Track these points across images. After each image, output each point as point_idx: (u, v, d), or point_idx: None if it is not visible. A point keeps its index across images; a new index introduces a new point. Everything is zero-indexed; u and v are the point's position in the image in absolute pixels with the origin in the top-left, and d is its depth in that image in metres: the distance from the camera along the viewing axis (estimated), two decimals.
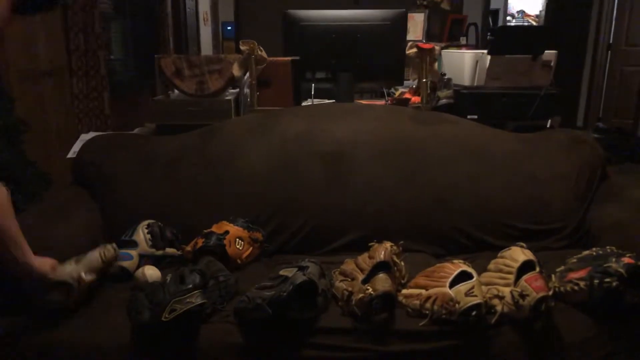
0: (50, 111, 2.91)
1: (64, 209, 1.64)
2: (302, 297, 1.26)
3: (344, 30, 2.14)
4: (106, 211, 1.72)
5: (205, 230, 1.59)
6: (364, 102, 2.34)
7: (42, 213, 1.59)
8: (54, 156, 2.73)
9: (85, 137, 1.91)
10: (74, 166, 1.81)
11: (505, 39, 2.22)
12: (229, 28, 6.85)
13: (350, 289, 1.32)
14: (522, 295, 1.22)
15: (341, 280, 1.41)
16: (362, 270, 1.40)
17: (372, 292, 1.24)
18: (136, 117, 3.63)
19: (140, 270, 1.46)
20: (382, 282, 1.27)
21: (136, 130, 2.21)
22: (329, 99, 2.27)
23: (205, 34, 6.50)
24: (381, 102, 2.31)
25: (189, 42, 5.60)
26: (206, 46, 6.53)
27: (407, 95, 2.25)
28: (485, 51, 2.23)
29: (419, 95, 2.17)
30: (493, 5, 5.82)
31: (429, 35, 3.55)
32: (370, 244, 1.47)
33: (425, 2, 3.29)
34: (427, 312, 1.27)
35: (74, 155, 1.82)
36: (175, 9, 5.21)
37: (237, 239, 1.59)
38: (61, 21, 3.08)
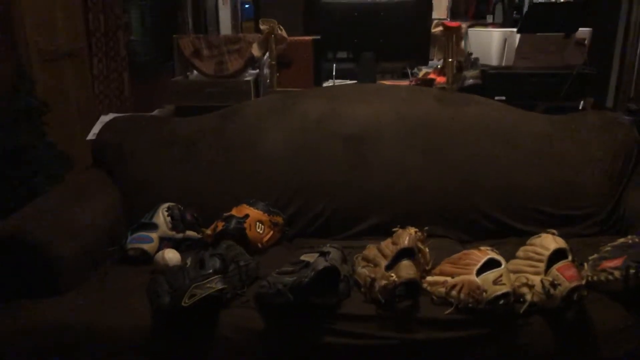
0: (70, 93, 2.91)
1: (84, 191, 1.63)
2: (324, 283, 1.23)
3: (366, 8, 2.07)
4: (126, 193, 1.71)
5: (225, 214, 1.57)
6: (387, 82, 2.28)
7: (62, 195, 1.58)
8: (74, 138, 2.74)
9: (104, 119, 1.89)
10: (94, 148, 1.79)
11: (536, 17, 2.12)
12: (247, 6, 6.75)
13: (373, 275, 1.29)
14: (554, 285, 1.17)
15: (364, 266, 1.37)
16: (385, 256, 1.36)
17: (395, 279, 1.21)
18: (156, 98, 3.62)
19: (160, 253, 1.44)
20: (407, 269, 1.24)
21: (155, 112, 2.19)
22: (350, 80, 2.21)
23: (224, 14, 6.44)
24: (405, 83, 2.24)
25: (208, 23, 5.55)
26: (225, 27, 6.47)
27: (432, 76, 2.17)
28: (515, 29, 2.14)
29: (444, 75, 2.10)
30: None
31: (454, 14, 3.43)
32: (393, 229, 1.43)
33: None
34: (452, 300, 1.23)
35: (94, 137, 1.81)
36: None
37: (258, 223, 1.57)
38: (81, 2, 3.06)
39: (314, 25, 2.10)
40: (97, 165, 1.79)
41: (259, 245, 1.56)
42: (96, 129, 1.87)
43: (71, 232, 1.41)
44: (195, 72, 2.20)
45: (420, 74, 2.30)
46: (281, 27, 2.00)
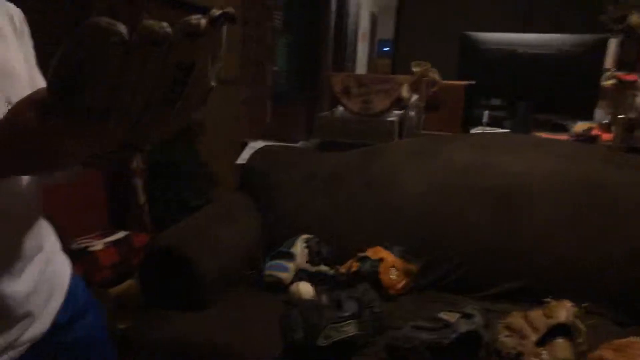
0: (221, 116, 3.13)
1: (230, 213, 1.72)
2: (463, 347, 1.14)
3: (528, 57, 1.96)
4: (267, 219, 1.77)
5: (360, 254, 1.55)
6: (543, 135, 2.12)
7: (211, 215, 1.68)
8: (218, 159, 2.93)
9: (254, 145, 1.99)
10: (243, 173, 1.89)
11: None
12: (385, 46, 6.88)
13: (520, 348, 1.16)
14: None
15: (507, 335, 1.25)
16: (535, 328, 1.22)
17: (548, 359, 1.08)
18: (292, 128, 3.77)
19: (295, 285, 1.45)
20: (563, 349, 1.11)
21: (300, 144, 2.26)
22: (500, 128, 2.10)
23: (361, 50, 6.62)
24: (563, 137, 2.07)
25: (345, 58, 5.73)
26: (361, 63, 6.64)
27: (596, 132, 1.98)
28: None
29: (610, 132, 1.90)
30: None
31: (622, 63, 3.12)
32: (545, 300, 1.29)
33: (620, 26, 2.89)
34: None
35: (244, 162, 1.91)
36: (337, 26, 5.37)
37: (391, 268, 1.52)
38: (239, 32, 3.31)
39: (468, 69, 2.03)
40: (243, 188, 1.88)
41: (391, 291, 1.50)
42: (246, 154, 1.97)
43: (216, 251, 1.48)
44: (340, 108, 2.24)
45: (579, 128, 2.10)
46: (434, 70, 1.97)
